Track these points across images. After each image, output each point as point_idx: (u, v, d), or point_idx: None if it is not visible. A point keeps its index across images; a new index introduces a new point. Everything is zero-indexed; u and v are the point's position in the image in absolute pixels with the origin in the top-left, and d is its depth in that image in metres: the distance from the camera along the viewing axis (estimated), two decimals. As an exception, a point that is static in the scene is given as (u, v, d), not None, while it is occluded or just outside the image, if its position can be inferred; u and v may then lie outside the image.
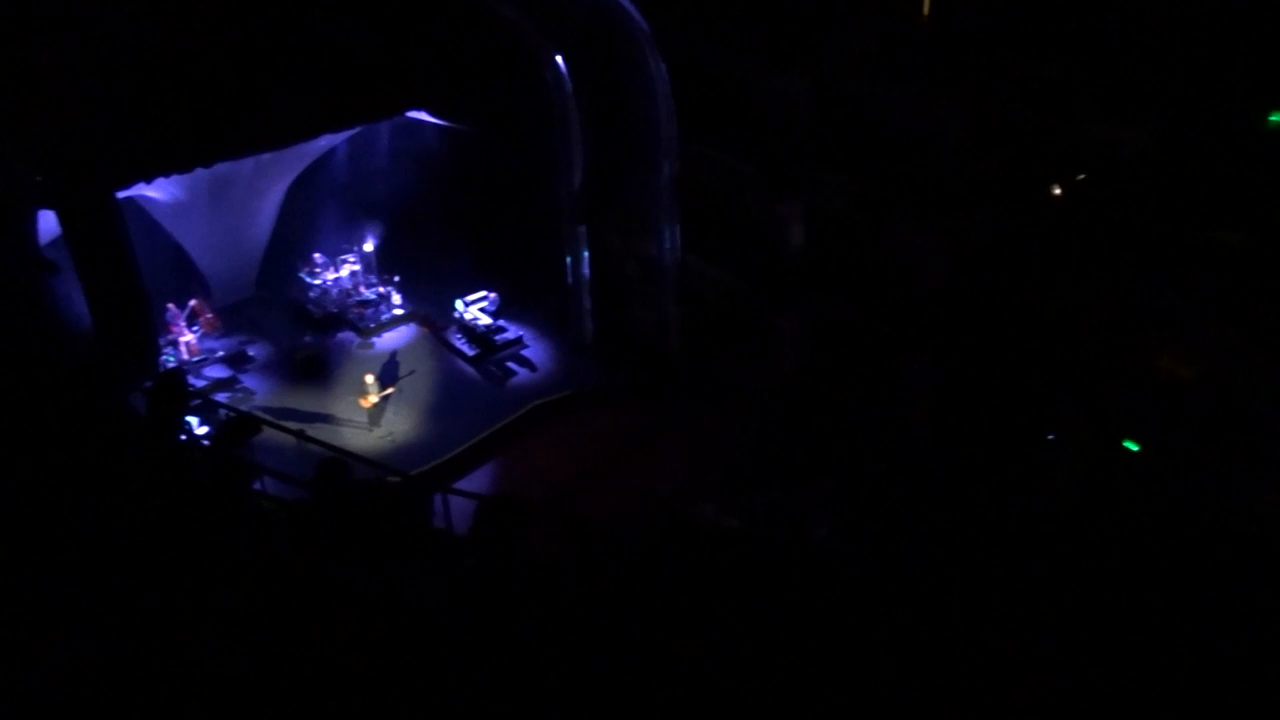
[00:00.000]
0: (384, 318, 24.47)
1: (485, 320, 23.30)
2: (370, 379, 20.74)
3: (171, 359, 21.27)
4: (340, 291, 24.61)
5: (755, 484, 16.12)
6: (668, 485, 17.51)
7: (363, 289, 24.69)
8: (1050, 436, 12.98)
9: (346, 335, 24.28)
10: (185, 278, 23.03)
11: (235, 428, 9.99)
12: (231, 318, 23.98)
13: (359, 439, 20.00)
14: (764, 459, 17.29)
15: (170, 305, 22.05)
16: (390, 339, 24.17)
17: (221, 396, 20.54)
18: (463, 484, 16.84)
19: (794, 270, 18.64)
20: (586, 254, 22.15)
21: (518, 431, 20.30)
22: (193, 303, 22.64)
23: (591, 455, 18.90)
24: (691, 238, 20.72)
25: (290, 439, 16.40)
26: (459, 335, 23.62)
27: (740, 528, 13.38)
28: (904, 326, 16.62)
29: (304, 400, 21.45)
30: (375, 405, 20.65)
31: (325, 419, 20.79)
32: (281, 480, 12.39)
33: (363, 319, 24.31)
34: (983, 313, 15.36)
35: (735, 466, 17.36)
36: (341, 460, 8.84)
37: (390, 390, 21.10)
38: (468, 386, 22.28)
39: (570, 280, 22.52)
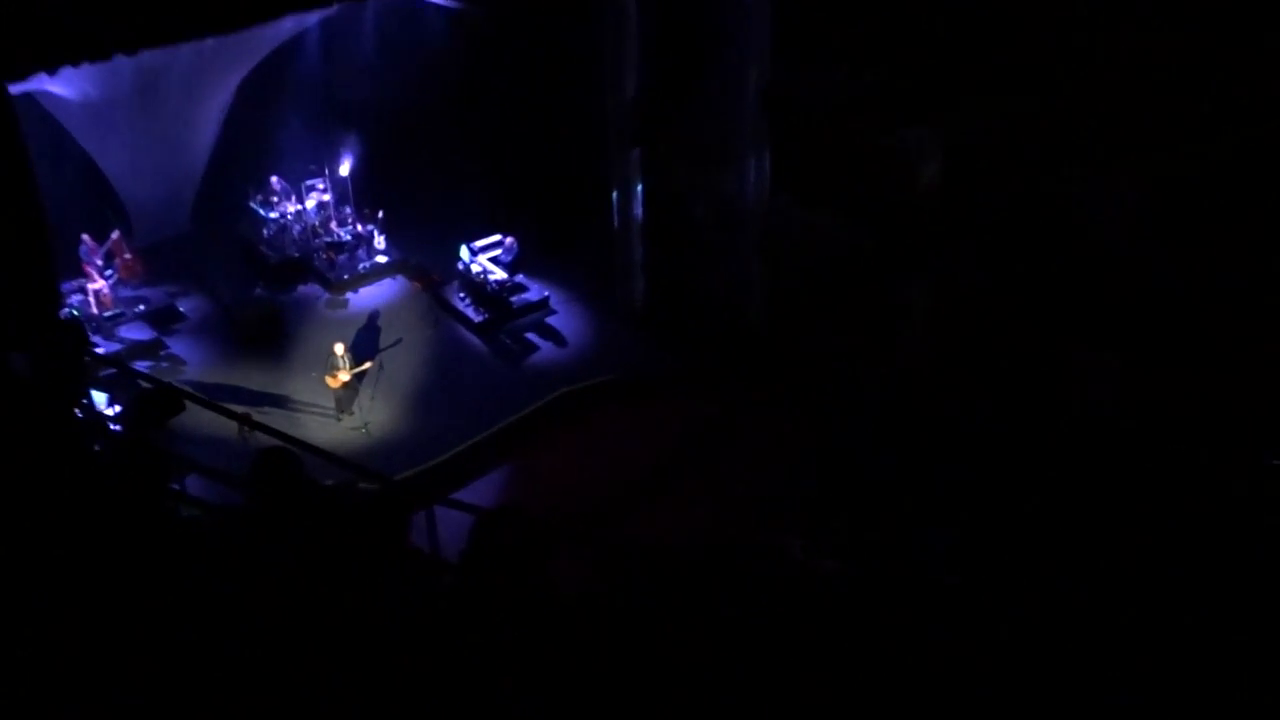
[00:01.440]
0: (362, 267, 24.66)
1: (499, 275, 23.34)
2: (340, 350, 20.66)
3: (76, 312, 21.43)
4: (304, 230, 24.80)
5: (862, 512, 15.83)
6: (739, 506, 17.44)
7: (334, 227, 24.83)
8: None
9: (310, 289, 24.58)
10: (98, 205, 23.18)
11: (150, 404, 10.00)
12: (157, 260, 24.14)
13: (323, 430, 20.03)
14: (873, 477, 16.89)
15: (85, 238, 22.35)
16: (369, 296, 24.34)
17: (140, 366, 20.55)
18: (462, 495, 16.28)
19: (924, 222, 18.16)
20: (640, 189, 22.05)
21: (539, 428, 20.38)
22: (113, 236, 22.90)
23: (637, 462, 18.92)
24: (784, 173, 20.47)
25: (229, 425, 16.47)
26: (463, 295, 23.77)
27: (841, 571, 13.32)
28: (1077, 307, 16.28)
29: (250, 375, 21.62)
30: (346, 385, 20.72)
31: (277, 401, 20.91)
32: (211, 479, 12.53)
33: (333, 268, 24.52)
34: (1193, 294, 15.09)
35: (833, 485, 17.05)
36: (289, 453, 8.93)
37: (367, 365, 21.04)
38: (473, 364, 22.44)
39: (617, 223, 22.53)
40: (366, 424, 20.64)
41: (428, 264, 24.71)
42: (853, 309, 19.23)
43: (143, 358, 21.70)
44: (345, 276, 24.57)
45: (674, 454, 19.08)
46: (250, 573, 8.01)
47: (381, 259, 24.90)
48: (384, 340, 22.72)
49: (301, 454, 9.02)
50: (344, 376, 20.58)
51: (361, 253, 24.85)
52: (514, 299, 23.55)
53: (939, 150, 17.79)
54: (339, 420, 20.77)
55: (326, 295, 24.48)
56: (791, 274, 20.66)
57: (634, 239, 22.61)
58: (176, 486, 11.87)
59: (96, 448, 10.06)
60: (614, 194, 22.30)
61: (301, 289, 24.65)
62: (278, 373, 21.87)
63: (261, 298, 23.90)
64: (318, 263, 24.74)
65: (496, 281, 23.48)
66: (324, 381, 20.73)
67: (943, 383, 17.62)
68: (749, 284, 21.65)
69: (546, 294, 23.88)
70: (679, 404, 20.18)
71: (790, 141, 19.83)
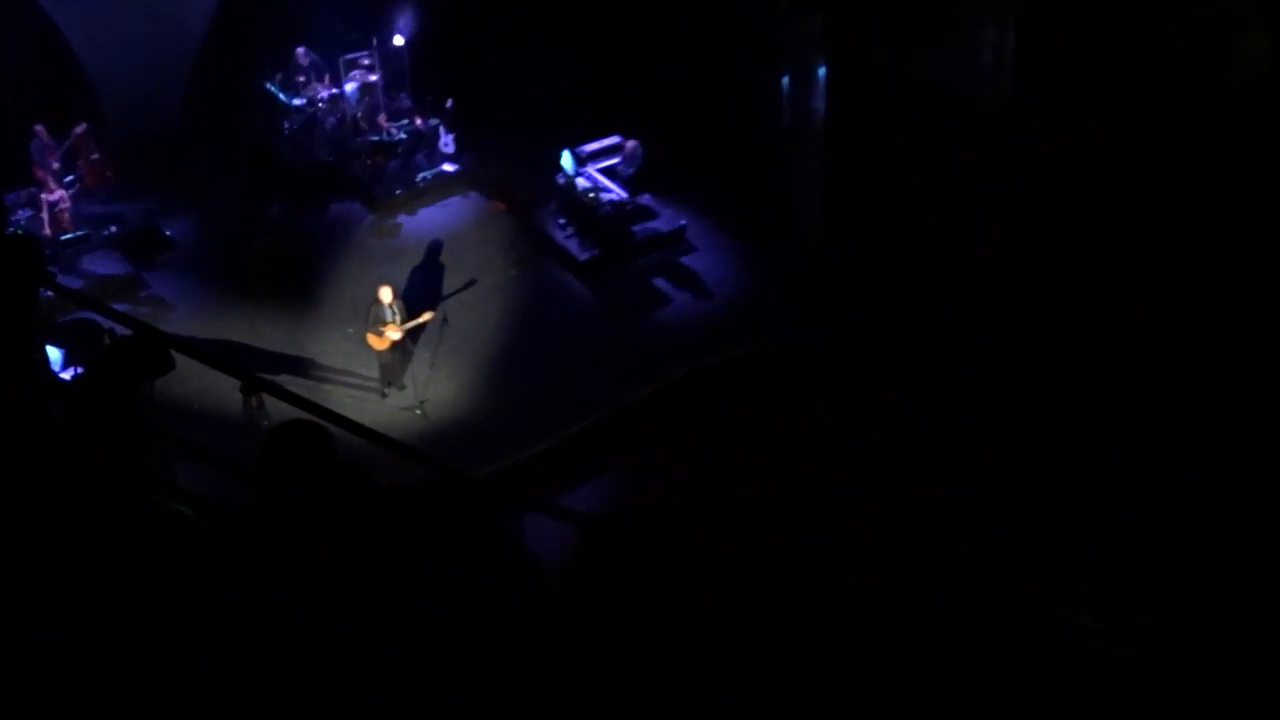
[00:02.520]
0: (420, 179, 25.27)
1: (615, 193, 23.83)
2: (388, 296, 20.71)
3: (21, 231, 21.08)
4: (341, 124, 25.51)
5: (1147, 552, 16.31)
6: (947, 533, 17.61)
7: (383, 122, 25.46)
8: None
9: (348, 209, 25.12)
10: (61, 87, 24.05)
11: (127, 357, 10.04)
12: (136, 164, 24.77)
13: (361, 410, 20.11)
14: (1159, 498, 17.26)
15: (39, 130, 22.75)
16: (430, 220, 24.90)
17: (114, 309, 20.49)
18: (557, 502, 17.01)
19: (1240, 132, 19.14)
20: (822, 73, 22.19)
21: (664, 415, 20.61)
22: (77, 130, 23.32)
23: (799, 466, 18.99)
24: (1032, 56, 20.74)
25: (232, 390, 17.57)
26: (562, 221, 24.14)
27: (1139, 659, 13.51)
28: None
29: (261, 329, 22.23)
30: (395, 347, 21.03)
31: (297, 367, 21.36)
32: (208, 464, 12.72)
33: (381, 179, 25.09)
34: None
35: (1096, 511, 17.39)
36: (318, 429, 9.16)
37: (425, 318, 21.22)
38: (574, 322, 22.87)
39: (786, 120, 22.75)
40: (423, 403, 20.80)
41: (512, 176, 25.21)
42: (1129, 258, 19.95)
43: (114, 299, 21.66)
44: (398, 192, 24.95)
45: (852, 456, 19.12)
46: (261, 591, 8.33)
47: (448, 168, 25.31)
48: (448, 284, 23.05)
49: (337, 433, 9.18)
50: (393, 334, 20.69)
51: (420, 158, 25.17)
52: (635, 229, 23.73)
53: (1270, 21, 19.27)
54: (384, 397, 21.04)
55: (370, 218, 24.86)
56: (1039, 203, 21.20)
57: (809, 147, 22.71)
58: (162, 474, 12.17)
59: (52, 417, 10.10)
60: (783, 80, 22.45)
61: (335, 208, 25.07)
62: (299, 327, 22.29)
63: (279, 220, 24.48)
64: (359, 171, 25.16)
65: (611, 203, 23.71)
66: (365, 341, 20.91)
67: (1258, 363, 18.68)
68: (976, 216, 21.81)
69: (682, 222, 23.94)
70: (861, 386, 20.33)
71: (1044, 9, 20.65)
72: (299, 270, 23.49)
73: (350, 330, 21.91)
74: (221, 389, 19.21)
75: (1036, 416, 19.16)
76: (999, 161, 21.54)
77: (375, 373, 21.29)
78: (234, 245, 23.79)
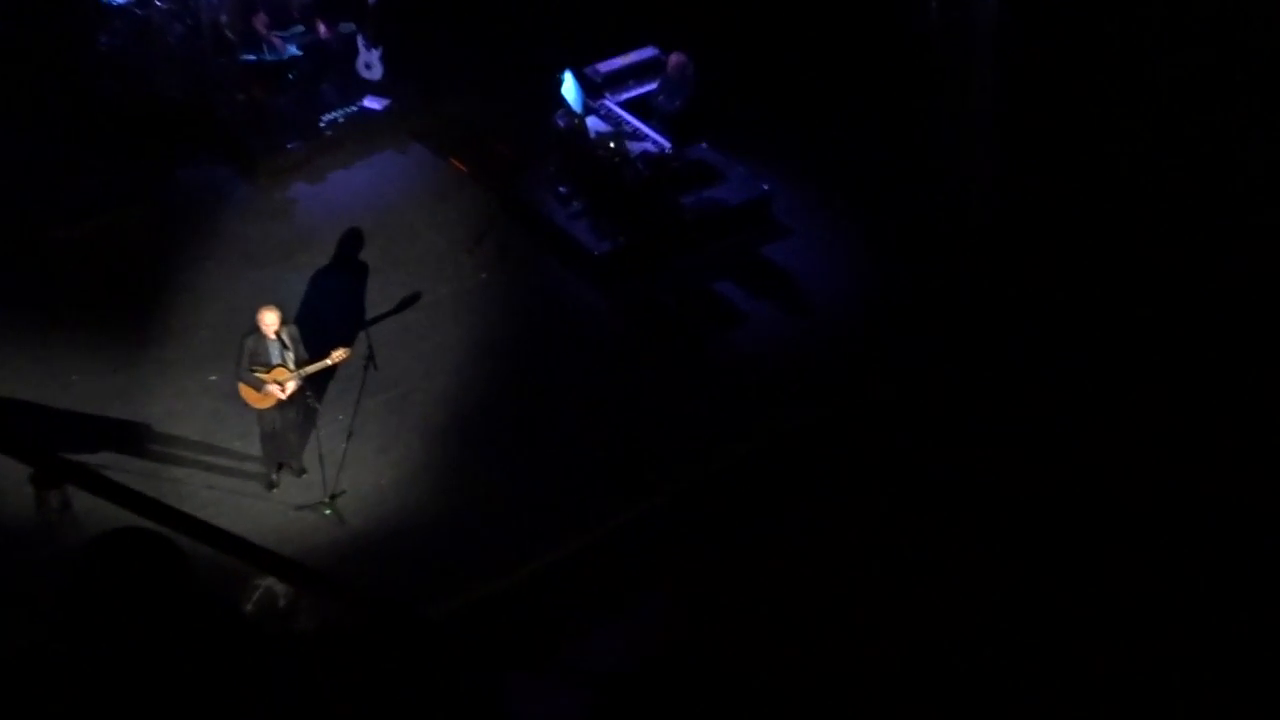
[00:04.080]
0: (330, 123, 24.55)
1: (649, 142, 23.03)
2: (273, 319, 19.16)
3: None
4: (196, 32, 24.94)
5: None
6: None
7: (264, 28, 24.78)
8: None
9: (211, 173, 24.38)
10: None
11: None
12: None
13: (237, 507, 19.54)
14: None
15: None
16: (346, 191, 24.07)
17: None
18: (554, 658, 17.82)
19: None
20: None
21: (723, 509, 19.69)
22: None
23: (914, 620, 18.54)
24: None
25: (17, 481, 16.87)
26: (563, 189, 23.14)
27: None
28: None
29: (69, 376, 21.11)
30: (290, 402, 19.79)
31: (129, 438, 20.42)
32: None
33: (263, 122, 24.40)
34: None
35: None
36: (158, 540, 9.62)
37: (337, 357, 19.66)
38: (584, 358, 21.72)
39: (935, 17, 22.47)
40: (334, 498, 19.44)
41: (480, 117, 24.67)
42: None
43: None
44: (290, 145, 24.23)
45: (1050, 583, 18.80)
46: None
47: (373, 104, 24.74)
48: (375, 300, 22.18)
49: (192, 549, 9.81)
50: (280, 385, 19.28)
51: (327, 89, 24.58)
52: (685, 200, 22.74)
53: None
54: (270, 487, 19.69)
55: (246, 188, 23.97)
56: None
57: (972, 63, 22.27)
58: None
59: None
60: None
61: (188, 174, 24.10)
62: (129, 372, 21.17)
63: (95, 196, 23.26)
64: (227, 111, 24.49)
65: (645, 158, 22.70)
66: (241, 392, 19.40)
67: None
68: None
69: (764, 189, 22.99)
70: (1065, 455, 20.16)
71: None
72: (127, 278, 22.31)
73: (213, 378, 20.50)
74: (2, 478, 18.32)
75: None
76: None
77: (256, 449, 19.71)
78: (24, 238, 22.86)
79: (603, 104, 23.11)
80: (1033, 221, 23.28)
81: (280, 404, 19.18)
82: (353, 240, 23.02)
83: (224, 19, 24.46)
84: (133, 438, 20.14)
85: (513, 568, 18.80)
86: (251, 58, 24.42)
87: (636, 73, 23.41)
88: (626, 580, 19.18)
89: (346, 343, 19.82)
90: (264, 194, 23.80)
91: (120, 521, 9.75)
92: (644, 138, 22.69)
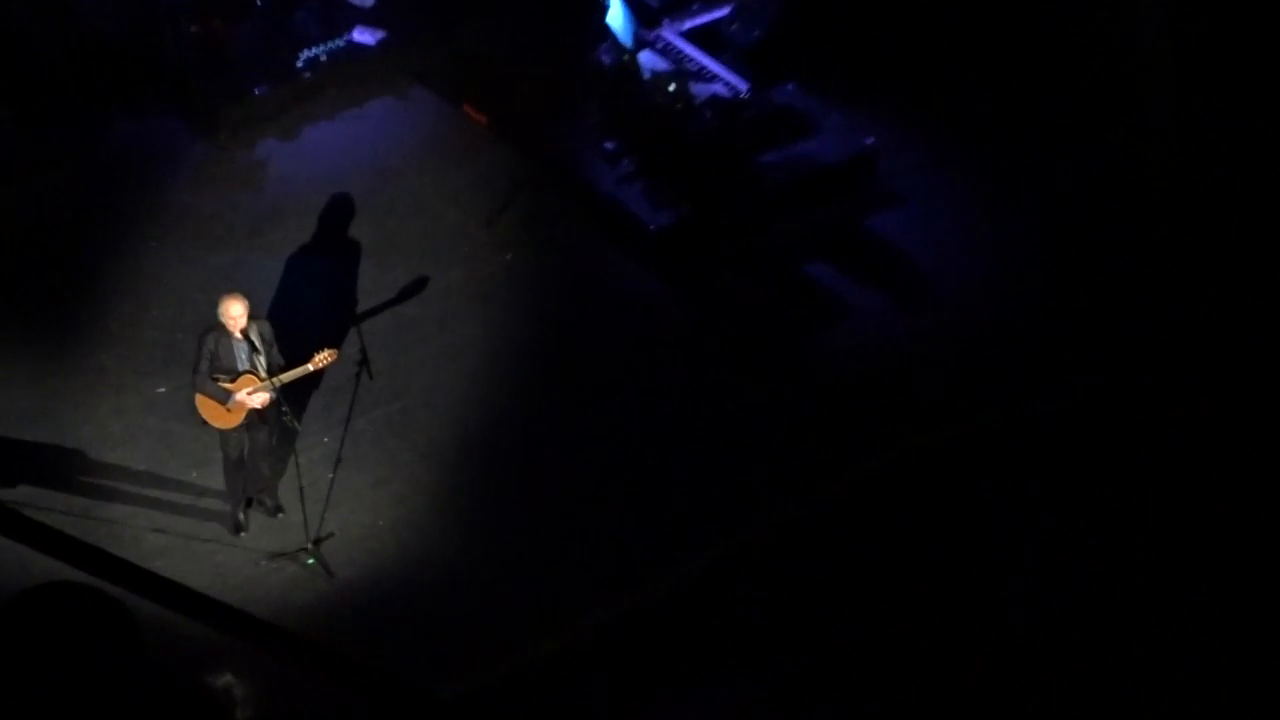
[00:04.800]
0: (308, 61, 23.76)
1: (720, 83, 22.62)
2: (240, 311, 17.89)
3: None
4: None
5: None
6: None
7: None
8: None
9: (159, 125, 23.63)
10: None
11: None
12: None
13: (197, 556, 18.51)
14: None
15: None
16: (330, 149, 23.14)
17: None
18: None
19: None
20: None
21: (808, 555, 18.94)
22: None
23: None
24: None
25: None
26: (610, 145, 22.25)
27: None
28: None
29: None
30: (259, 418, 18.80)
31: (58, 469, 19.44)
32: None
33: (224, 62, 23.74)
34: None
35: None
36: (98, 599, 11.13)
37: (321, 361, 18.23)
38: (638, 360, 20.49)
39: None
40: (319, 542, 18.36)
41: (502, 51, 23.65)
42: None
43: None
44: (257, 90, 23.34)
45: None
46: None
47: (363, 37, 23.96)
48: (368, 289, 21.14)
49: (140, 608, 10.92)
50: (249, 396, 17.99)
51: (304, 14, 23.90)
52: (768, 158, 21.47)
53: None
54: (237, 531, 18.55)
55: (204, 146, 23.03)
56: None
57: None
58: None
59: None
60: None
61: (131, 126, 23.19)
62: (52, 381, 20.06)
63: (8, 155, 22.74)
64: (177, 49, 23.47)
65: (715, 104, 22.19)
66: (199, 408, 18.13)
67: None
68: None
69: (868, 141, 22.07)
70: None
71: None
72: (48, 263, 21.09)
73: (162, 390, 19.34)
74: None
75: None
76: None
77: (218, 480, 18.50)
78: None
79: (660, 35, 22.39)
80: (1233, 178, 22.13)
81: (249, 422, 17.78)
82: (339, 212, 21.66)
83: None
84: (59, 468, 18.81)
85: (544, 635, 17.61)
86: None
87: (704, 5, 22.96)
88: (692, 654, 17.85)
89: (333, 344, 18.11)
90: (225, 155, 22.42)
91: (48, 575, 10.74)
92: (713, 78, 22.01)
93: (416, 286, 20.51)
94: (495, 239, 21.28)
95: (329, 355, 17.47)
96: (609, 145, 21.57)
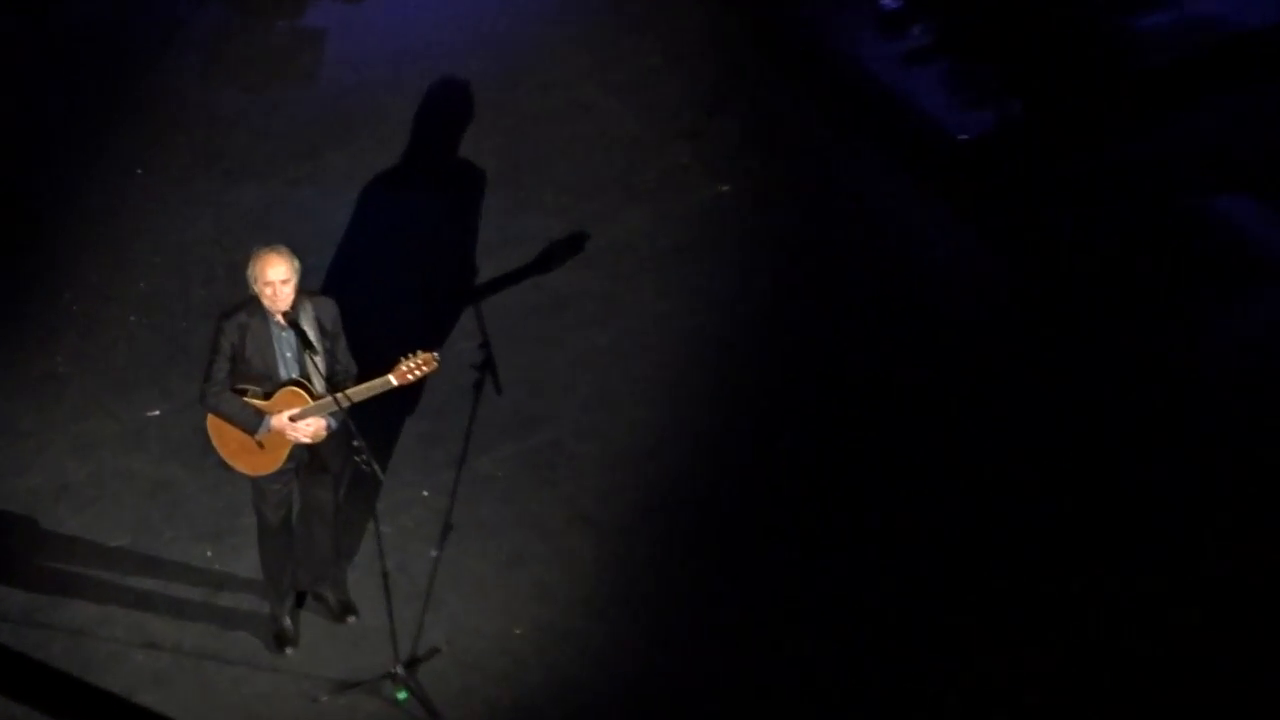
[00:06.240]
0: None
1: None
2: (282, 273, 16.14)
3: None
4: None
5: None
6: None
7: None
8: None
9: None
10: None
11: None
12: None
13: (211, 673, 16.33)
14: None
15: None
16: (415, 27, 21.79)
17: None
18: None
19: None
20: None
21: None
22: None
23: None
24: None
25: None
26: (889, 3, 22.17)
27: None
28: None
29: None
30: (317, 457, 16.60)
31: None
32: None
33: None
34: None
35: None
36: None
37: (419, 369, 15.99)
38: (932, 361, 17.73)
39: None
40: (413, 663, 16.25)
41: None
42: None
43: None
44: None
45: None
46: None
47: None
48: (490, 249, 18.96)
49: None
50: (292, 431, 15.11)
51: None
52: (1141, 22, 20.52)
53: None
54: (282, 640, 16.23)
55: (214, 7, 22.50)
56: None
57: None
58: None
59: None
60: None
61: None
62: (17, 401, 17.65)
63: None
64: None
65: None
66: (213, 440, 15.41)
67: None
68: None
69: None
70: None
71: None
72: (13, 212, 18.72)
73: (154, 413, 16.90)
74: None
75: None
76: None
77: (246, 561, 15.90)
78: None
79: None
80: None
81: (299, 465, 14.35)
82: (437, 117, 19.02)
83: None
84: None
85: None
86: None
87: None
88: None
89: (432, 341, 15.31)
90: (256, 23, 20.18)
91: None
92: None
93: (568, 242, 17.36)
94: (701, 158, 18.15)
95: (426, 360, 13.89)
96: (890, 2, 19.23)
